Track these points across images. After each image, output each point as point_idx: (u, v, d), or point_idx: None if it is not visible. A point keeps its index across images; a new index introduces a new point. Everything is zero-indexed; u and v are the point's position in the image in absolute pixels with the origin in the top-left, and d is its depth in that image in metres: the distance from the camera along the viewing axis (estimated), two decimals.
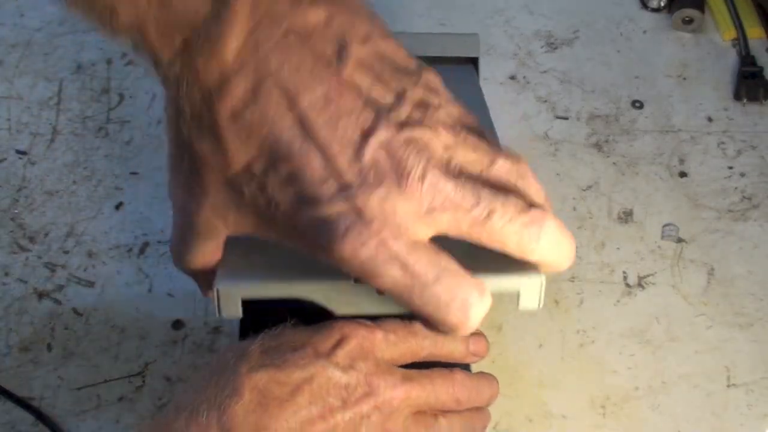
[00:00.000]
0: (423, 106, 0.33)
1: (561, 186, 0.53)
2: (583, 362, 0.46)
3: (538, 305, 0.35)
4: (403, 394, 0.35)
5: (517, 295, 0.35)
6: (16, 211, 0.53)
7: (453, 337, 0.38)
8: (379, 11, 0.34)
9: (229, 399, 0.32)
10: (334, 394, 0.34)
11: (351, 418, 0.34)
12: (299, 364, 0.34)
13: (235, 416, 0.32)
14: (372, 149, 0.31)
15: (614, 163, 0.54)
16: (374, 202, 0.31)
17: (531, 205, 0.33)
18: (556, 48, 0.59)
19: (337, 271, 0.33)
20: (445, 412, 0.38)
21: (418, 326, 0.37)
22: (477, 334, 0.40)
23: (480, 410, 0.40)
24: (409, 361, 0.37)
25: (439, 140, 0.32)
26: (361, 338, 0.35)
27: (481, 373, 0.40)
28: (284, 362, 0.34)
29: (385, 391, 0.35)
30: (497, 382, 0.40)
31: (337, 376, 0.34)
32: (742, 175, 0.53)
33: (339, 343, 0.35)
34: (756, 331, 0.47)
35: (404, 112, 0.32)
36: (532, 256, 0.34)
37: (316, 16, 0.32)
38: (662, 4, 0.60)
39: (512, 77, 0.58)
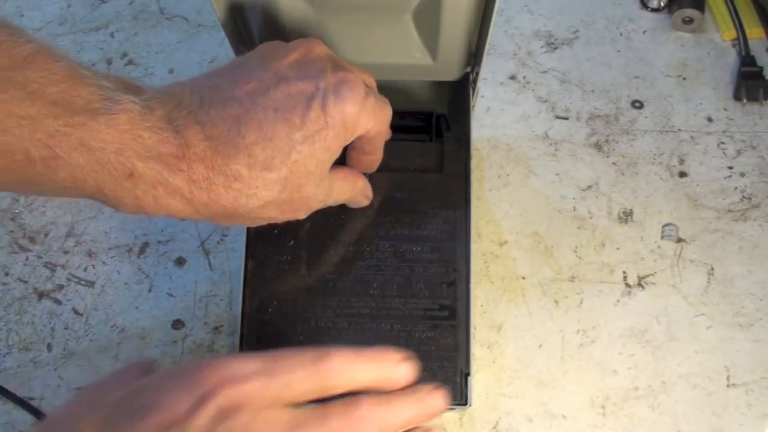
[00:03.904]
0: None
1: (561, 186, 0.53)
2: (583, 362, 0.46)
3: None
4: None
5: None
6: (16, 211, 0.53)
7: (376, 367, 0.33)
8: None
9: None
10: None
11: None
12: None
13: None
14: None
15: (614, 163, 0.54)
16: None
17: None
18: (556, 48, 0.59)
19: None
20: None
21: (331, 362, 0.31)
22: (406, 360, 0.34)
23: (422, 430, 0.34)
24: (319, 397, 0.31)
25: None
26: (228, 394, 0.29)
27: (403, 393, 0.33)
28: None
29: None
30: (427, 393, 0.33)
31: None
32: (742, 175, 0.53)
33: (198, 405, 0.28)
34: (756, 331, 0.47)
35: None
36: None
37: None
38: (662, 4, 0.60)
39: (512, 77, 0.58)
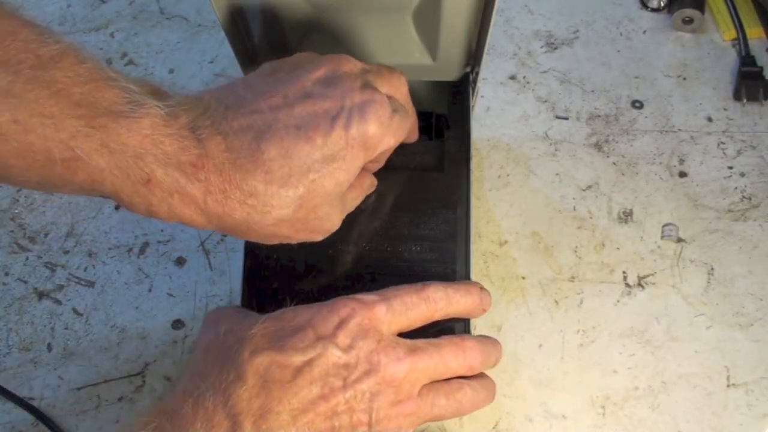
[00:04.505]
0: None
1: (561, 186, 0.53)
2: (583, 362, 0.46)
3: None
4: (407, 366, 0.36)
5: None
6: (16, 211, 0.53)
7: (466, 293, 0.39)
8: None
9: (234, 384, 0.33)
10: (335, 374, 0.34)
11: (352, 395, 0.34)
12: (299, 347, 0.34)
13: (240, 401, 0.33)
14: None
15: (614, 163, 0.54)
16: None
17: None
18: (556, 48, 0.59)
19: None
20: (470, 379, 0.38)
21: (430, 290, 0.38)
22: (484, 288, 0.41)
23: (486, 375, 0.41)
24: (422, 324, 0.38)
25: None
26: (360, 317, 0.36)
27: (485, 337, 0.40)
28: (285, 345, 0.34)
29: (387, 366, 0.35)
30: (499, 343, 0.41)
31: (338, 356, 0.34)
32: (742, 175, 0.53)
33: (340, 325, 0.35)
34: (756, 331, 0.47)
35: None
36: None
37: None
38: (662, 4, 0.60)
39: (512, 77, 0.58)
